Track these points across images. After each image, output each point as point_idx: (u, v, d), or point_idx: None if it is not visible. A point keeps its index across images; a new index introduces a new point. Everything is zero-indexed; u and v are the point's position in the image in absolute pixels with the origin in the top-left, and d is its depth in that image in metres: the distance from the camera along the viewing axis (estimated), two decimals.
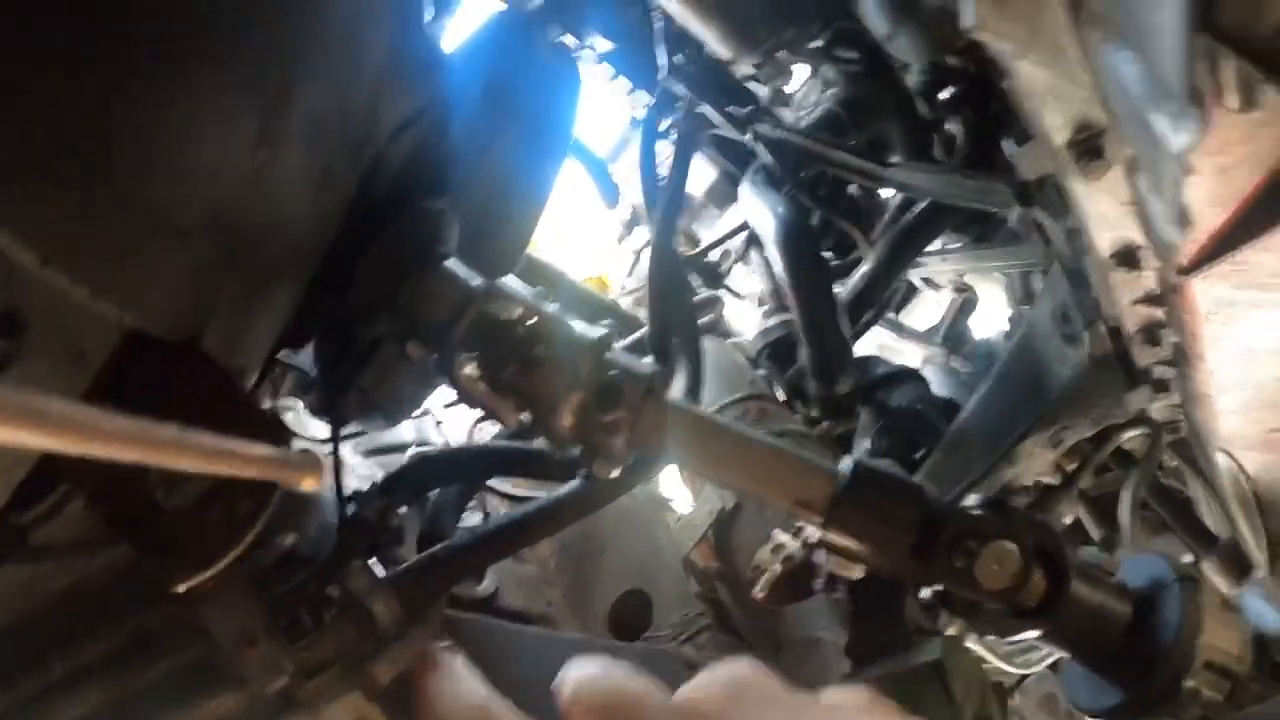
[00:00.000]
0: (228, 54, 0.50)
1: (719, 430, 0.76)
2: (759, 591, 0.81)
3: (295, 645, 0.74)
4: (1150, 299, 1.02)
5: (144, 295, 0.49)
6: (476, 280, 0.74)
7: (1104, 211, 0.89)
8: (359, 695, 0.74)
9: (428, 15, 0.77)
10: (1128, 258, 0.95)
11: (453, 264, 0.75)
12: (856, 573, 0.76)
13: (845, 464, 0.74)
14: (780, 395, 1.84)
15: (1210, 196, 0.80)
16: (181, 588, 0.46)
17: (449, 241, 0.77)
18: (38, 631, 0.65)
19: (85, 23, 0.41)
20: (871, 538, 0.73)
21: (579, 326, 0.73)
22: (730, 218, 2.27)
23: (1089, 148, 0.80)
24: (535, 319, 0.72)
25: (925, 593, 0.74)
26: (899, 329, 2.41)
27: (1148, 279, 0.98)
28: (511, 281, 0.74)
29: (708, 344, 1.85)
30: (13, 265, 0.40)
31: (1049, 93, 0.78)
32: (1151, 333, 1.10)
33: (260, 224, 0.58)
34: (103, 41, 0.43)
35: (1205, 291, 0.92)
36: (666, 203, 1.52)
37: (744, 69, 1.80)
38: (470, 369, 0.73)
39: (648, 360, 0.75)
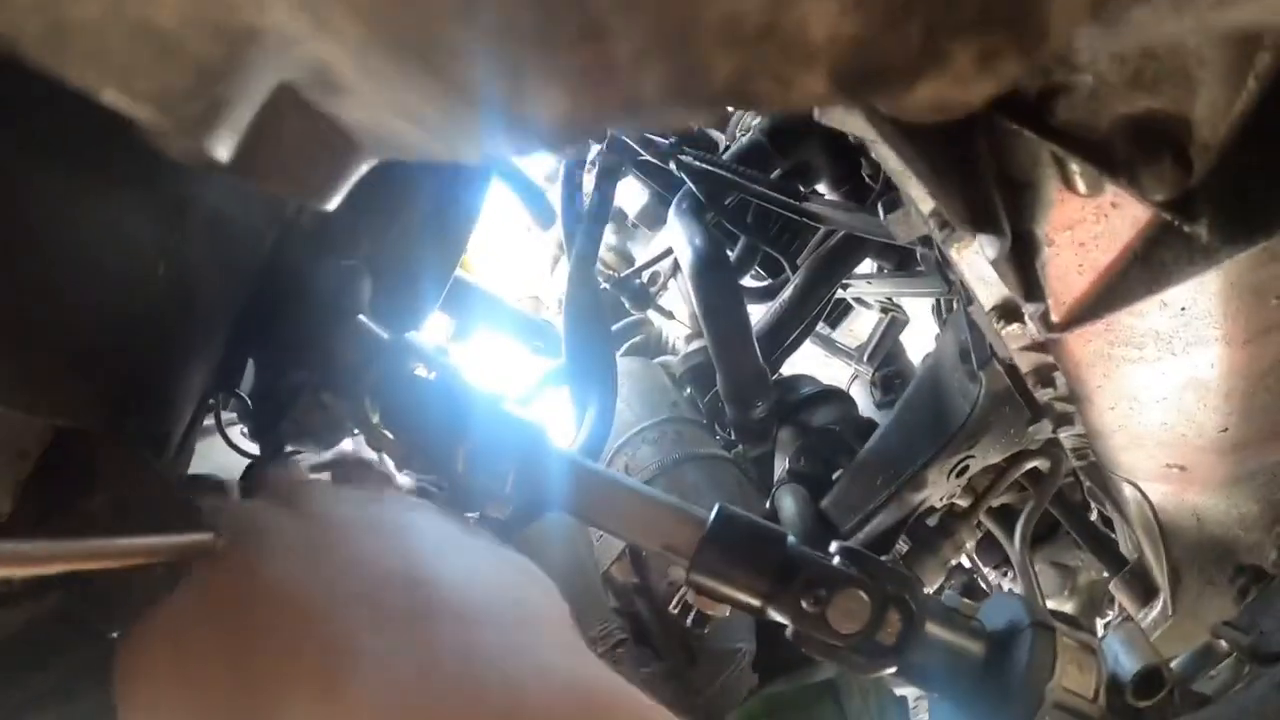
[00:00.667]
0: (123, 180, 0.53)
1: (600, 479, 0.80)
2: (673, 607, 0.85)
3: None
4: (1037, 346, 1.05)
5: (68, 405, 0.54)
6: (385, 336, 0.78)
7: (979, 272, 0.92)
8: None
9: None
10: (1008, 313, 0.98)
11: (362, 320, 0.79)
12: (723, 611, 0.81)
13: (712, 512, 0.79)
14: (703, 418, 1.88)
15: (1071, 266, 0.84)
16: (115, 635, 0.52)
17: (359, 297, 0.81)
18: None
19: None
20: (730, 582, 0.77)
21: (474, 387, 0.78)
22: (662, 239, 2.30)
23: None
24: (434, 374, 0.77)
25: (788, 631, 0.78)
26: (830, 345, 2.45)
27: (1031, 330, 1.00)
28: (415, 339, 0.79)
29: (634, 365, 1.90)
30: None
31: (905, 173, 0.81)
32: (1044, 374, 1.13)
33: (166, 325, 0.62)
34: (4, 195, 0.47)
35: (1082, 346, 0.96)
36: (585, 235, 1.56)
37: None
38: (376, 418, 0.77)
39: (533, 421, 0.79)
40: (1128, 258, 0.81)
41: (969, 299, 1.04)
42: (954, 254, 0.89)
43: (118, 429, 0.60)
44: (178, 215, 0.59)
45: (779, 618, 0.78)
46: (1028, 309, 0.90)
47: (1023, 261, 0.86)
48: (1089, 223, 0.80)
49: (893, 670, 0.79)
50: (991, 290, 0.96)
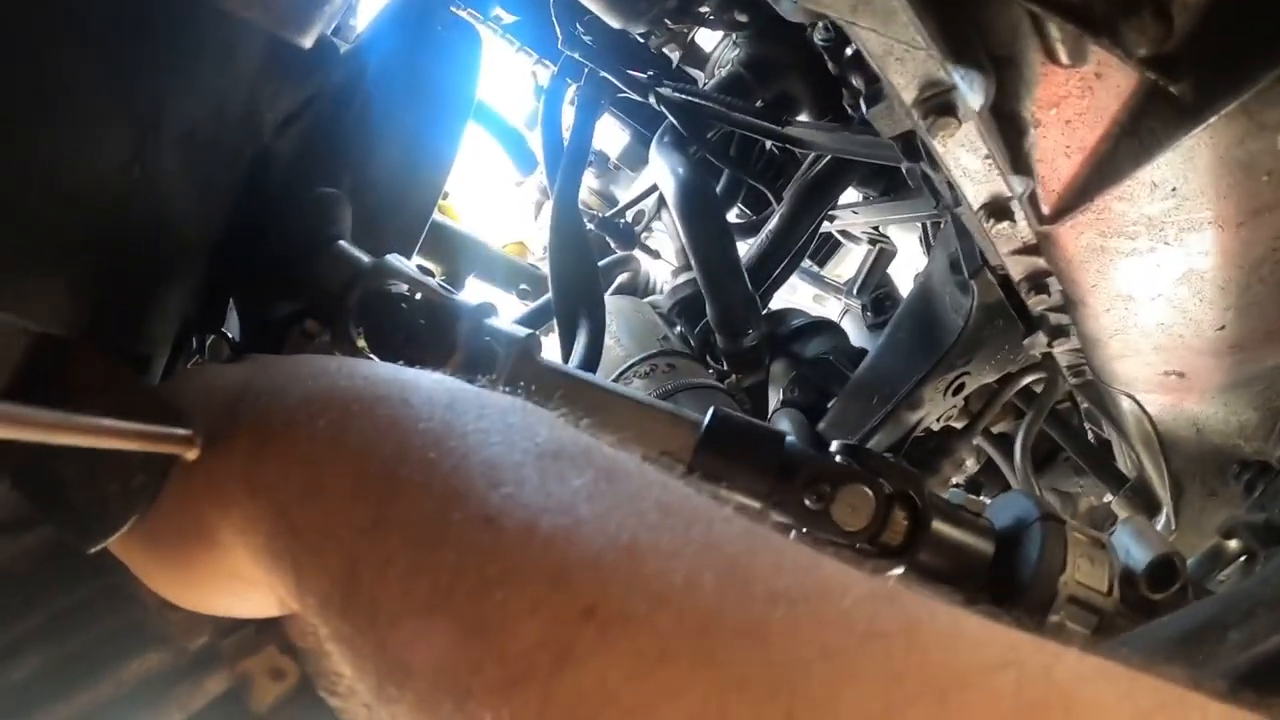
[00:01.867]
0: (97, 78, 0.53)
1: (591, 388, 0.79)
2: None
3: None
4: (1028, 248, 1.04)
5: (39, 306, 0.54)
6: (365, 259, 0.77)
7: (967, 166, 0.91)
8: (274, 648, 0.78)
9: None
10: (998, 210, 0.96)
11: (343, 245, 0.78)
12: None
13: (707, 415, 0.78)
14: (693, 350, 1.86)
15: (1058, 148, 0.84)
16: (92, 550, 0.51)
17: (340, 223, 0.80)
18: None
19: None
20: (730, 483, 0.75)
21: (460, 299, 0.77)
22: (645, 179, 2.29)
23: (936, 106, 0.81)
24: (419, 293, 0.76)
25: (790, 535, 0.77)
26: (819, 281, 2.44)
27: (1022, 229, 0.99)
28: (395, 260, 0.77)
29: (622, 303, 1.88)
30: None
31: (889, 54, 0.80)
32: (1037, 280, 1.11)
33: (142, 233, 0.61)
34: None
35: (1074, 240, 0.95)
36: (566, 168, 1.55)
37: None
38: (362, 342, 0.76)
39: (522, 328, 0.78)
40: (1114, 132, 0.81)
41: (956, 201, 1.03)
42: (939, 147, 0.88)
43: (95, 341, 0.60)
44: (152, 121, 0.58)
45: (781, 518, 0.77)
46: (1018, 188, 0.89)
47: (1010, 140, 0.85)
48: (1074, 98, 0.79)
49: (900, 570, 0.78)
50: (979, 187, 0.95)
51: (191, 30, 0.61)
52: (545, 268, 2.34)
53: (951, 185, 1.00)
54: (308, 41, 0.49)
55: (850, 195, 2.01)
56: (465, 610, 0.36)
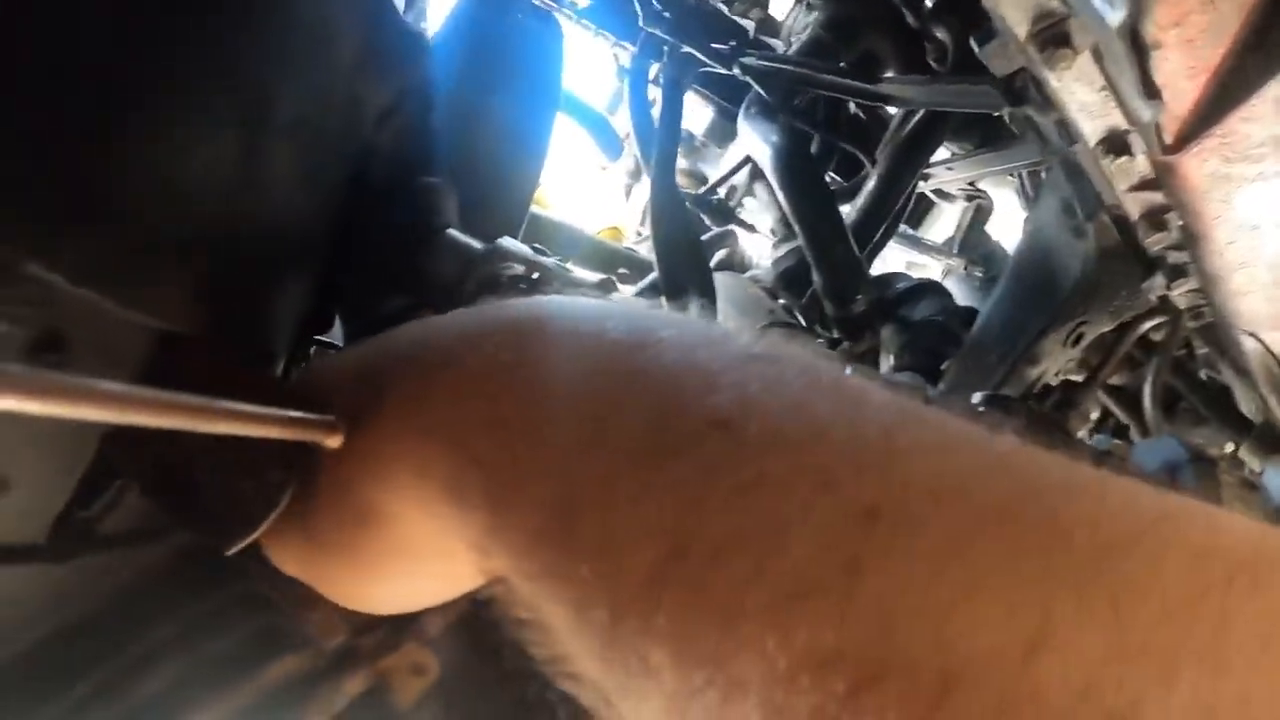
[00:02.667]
0: (207, 78, 0.53)
1: None
2: None
3: None
4: (1147, 183, 1.01)
5: (162, 302, 0.53)
6: (477, 245, 0.76)
7: (1083, 100, 0.88)
8: (412, 644, 0.78)
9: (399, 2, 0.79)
10: (1116, 144, 0.94)
11: (452, 233, 0.77)
12: None
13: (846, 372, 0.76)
14: (801, 321, 1.83)
15: (1181, 70, 0.80)
16: (231, 551, 0.50)
17: (447, 212, 0.79)
18: (113, 619, 0.69)
19: (80, 70, 0.45)
20: None
21: (580, 274, 0.75)
22: (734, 153, 2.27)
23: (1052, 37, 0.79)
24: (537, 273, 0.74)
25: None
26: (916, 243, 2.41)
27: (1141, 163, 0.96)
28: (509, 242, 0.76)
29: (725, 279, 1.87)
30: (49, 290, 0.45)
31: None
32: (1155, 217, 1.08)
33: (256, 229, 0.61)
34: (96, 83, 0.46)
35: (1198, 168, 0.92)
36: (661, 147, 1.53)
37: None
38: None
39: (651, 301, 0.77)
40: (1238, 48, 0.78)
41: (1070, 140, 0.99)
42: (1055, 81, 0.85)
43: (217, 338, 0.60)
44: (260, 115, 0.58)
45: None
46: (1144, 115, 0.85)
47: (1131, 67, 0.82)
48: (1196, 14, 0.76)
49: None
50: (1096, 122, 0.92)
51: (289, 20, 0.61)
52: (641, 251, 2.34)
53: (1063, 125, 0.98)
54: None
55: (941, 155, 1.97)
56: (719, 523, 0.32)
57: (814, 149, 1.96)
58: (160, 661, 0.71)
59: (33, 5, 0.43)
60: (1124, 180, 1.01)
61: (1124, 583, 0.28)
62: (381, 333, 0.57)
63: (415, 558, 0.50)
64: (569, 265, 0.77)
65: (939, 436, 0.34)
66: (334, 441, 0.46)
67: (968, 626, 0.28)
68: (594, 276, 0.75)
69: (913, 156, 1.80)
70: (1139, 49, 0.80)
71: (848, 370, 0.40)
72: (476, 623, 0.86)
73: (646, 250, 2.43)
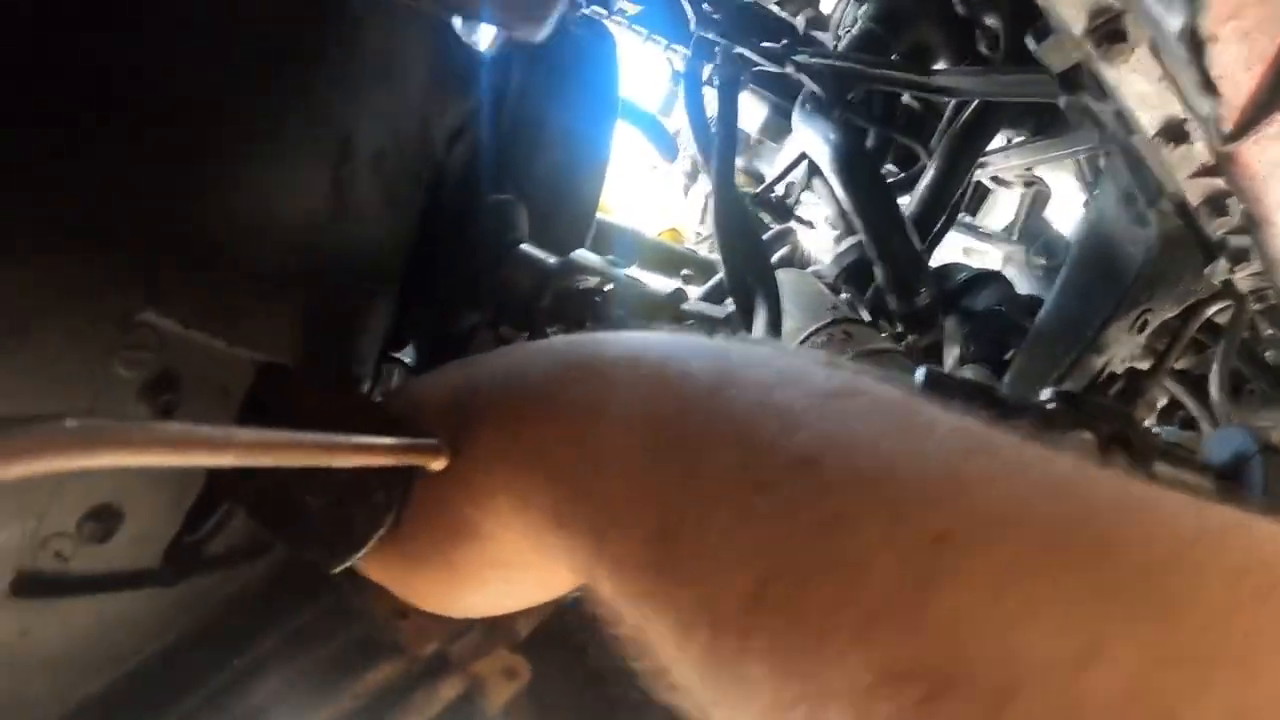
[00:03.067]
0: (296, 121, 0.55)
1: None
2: None
3: None
4: (1207, 170, 1.00)
5: (263, 335, 0.56)
6: (551, 259, 0.78)
7: (1140, 92, 0.88)
8: (503, 649, 0.80)
9: (458, 24, 0.80)
10: (1174, 133, 0.93)
11: (526, 248, 0.79)
12: None
13: (919, 374, 0.76)
14: (865, 316, 1.83)
15: (1238, 61, 0.80)
16: (336, 570, 0.52)
17: (520, 228, 0.81)
18: (217, 634, 0.72)
19: (183, 123, 0.48)
20: None
21: (653, 285, 0.77)
22: (789, 150, 2.27)
23: (1109, 33, 0.80)
24: (610, 285, 0.76)
25: None
26: (975, 232, 2.39)
27: (1200, 151, 0.96)
28: (583, 255, 0.78)
29: (787, 276, 1.86)
30: (162, 334, 0.47)
31: None
32: (1216, 203, 1.07)
33: (345, 259, 0.64)
34: (196, 134, 0.49)
35: (1257, 156, 0.92)
36: (720, 149, 1.53)
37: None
38: None
39: (719, 307, 0.78)
40: None
41: (1128, 129, 0.99)
42: (1112, 75, 0.85)
43: (312, 366, 0.62)
44: (344, 148, 0.60)
45: None
46: (1202, 108, 0.86)
47: (1188, 60, 0.82)
48: (1252, 6, 0.75)
49: None
50: (1154, 112, 0.92)
51: (361, 56, 0.63)
52: (702, 251, 2.35)
53: (1120, 114, 0.98)
54: (539, 36, 0.50)
55: (997, 142, 1.96)
56: (807, 552, 0.36)
57: (870, 142, 1.96)
58: (263, 673, 0.73)
59: (142, 66, 0.45)
60: (1184, 168, 1.01)
61: (1168, 598, 0.31)
62: (462, 354, 0.59)
63: (512, 569, 0.53)
64: (638, 276, 0.78)
65: (1001, 464, 0.37)
66: (438, 465, 0.49)
67: (1027, 640, 0.30)
68: (666, 287, 0.76)
69: (969, 146, 1.79)
70: (1195, 42, 0.80)
71: (917, 394, 0.43)
72: (563, 625, 0.88)
73: (707, 250, 2.44)
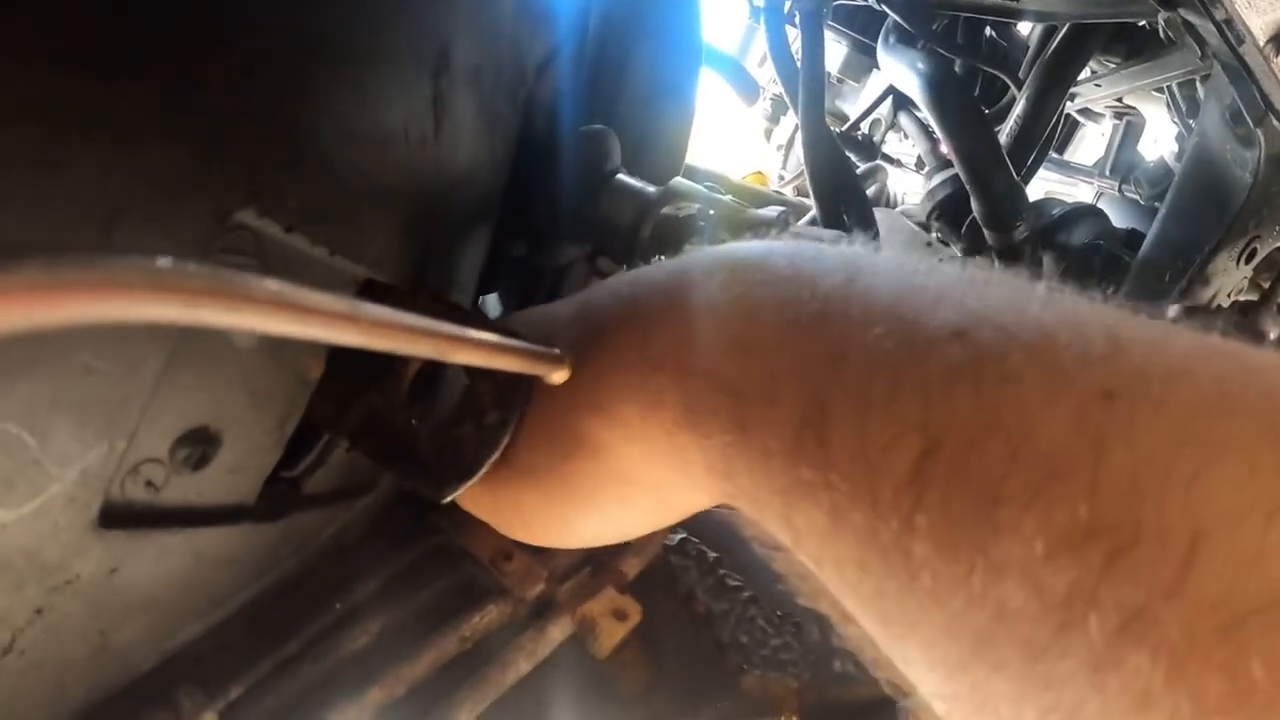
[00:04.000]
0: (394, 29, 0.53)
1: None
2: None
3: (547, 554, 0.79)
4: None
5: (368, 249, 0.54)
6: (650, 188, 0.76)
7: None
8: (611, 590, 0.78)
9: None
10: None
11: (623, 178, 0.77)
12: None
13: None
14: (958, 253, 1.79)
15: None
16: (448, 498, 0.50)
17: (615, 158, 0.79)
18: (317, 577, 0.71)
19: (286, 25, 0.46)
20: None
21: (757, 210, 0.74)
22: (872, 88, 2.23)
23: None
24: (713, 210, 0.73)
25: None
26: (1065, 167, 2.34)
27: None
28: (682, 182, 0.76)
29: (878, 215, 1.84)
30: (261, 237, 0.45)
31: None
32: None
33: (446, 176, 0.62)
34: (300, 36, 0.47)
35: None
36: (806, 84, 1.50)
37: None
38: None
39: (828, 231, 0.75)
40: None
41: (1236, 40, 0.95)
42: None
43: (417, 286, 0.60)
44: (443, 59, 0.58)
45: None
46: None
47: None
48: None
49: None
50: (1265, 17, 0.88)
51: None
52: (788, 194, 2.32)
53: (1225, 25, 0.93)
54: None
55: (1087, 73, 1.90)
56: (970, 418, 0.34)
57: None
58: (364, 617, 0.72)
59: None
60: None
61: None
62: (558, 292, 0.57)
63: (630, 486, 0.50)
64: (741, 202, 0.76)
65: (1155, 330, 0.35)
66: (561, 376, 0.46)
67: (1213, 490, 0.29)
68: (771, 211, 0.73)
69: (1060, 75, 1.73)
70: None
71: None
72: (670, 568, 0.87)
73: (792, 192, 2.41)
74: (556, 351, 0.45)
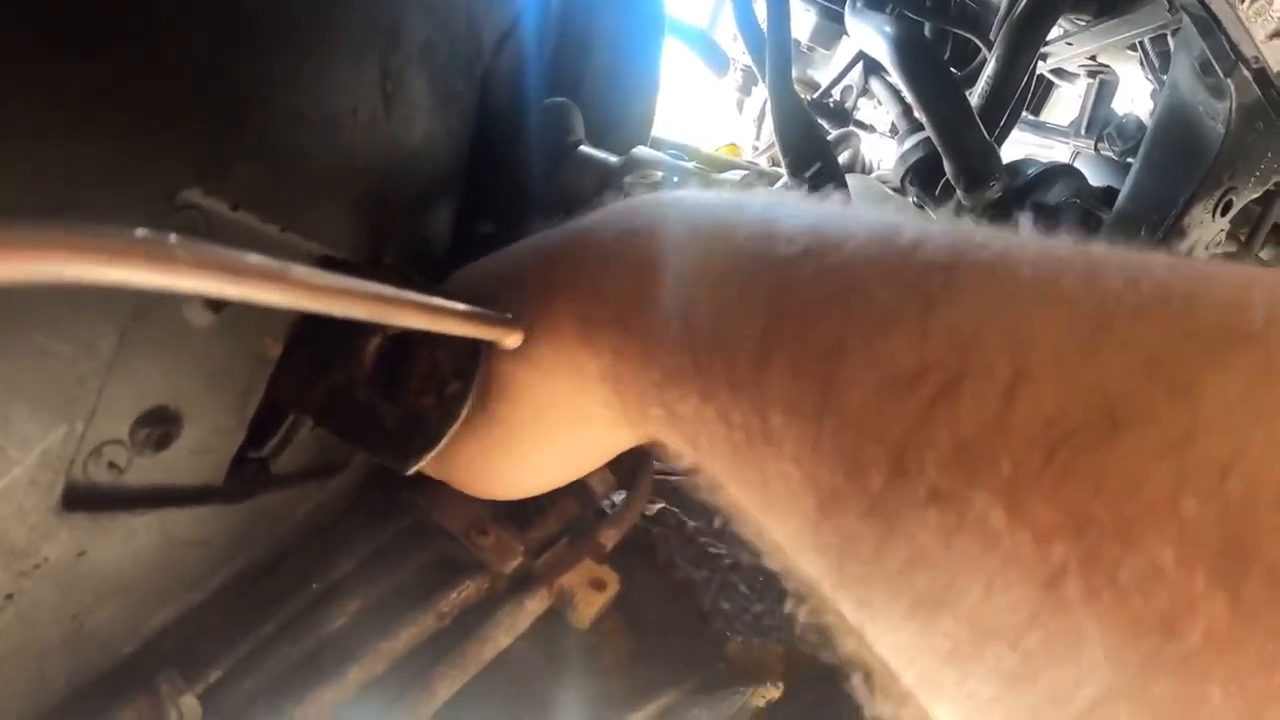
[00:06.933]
0: (342, 10, 0.53)
1: None
2: None
3: (524, 527, 0.79)
4: None
5: (322, 227, 0.54)
6: (612, 158, 0.75)
7: None
8: (589, 561, 0.78)
9: None
10: None
11: (586, 149, 0.77)
12: None
13: None
14: (934, 215, 1.79)
15: None
16: (413, 469, 0.50)
17: (577, 130, 0.79)
18: (293, 558, 0.71)
19: (235, 14, 0.46)
20: None
21: (721, 176, 0.74)
22: (842, 55, 2.23)
23: None
24: (677, 177, 0.73)
25: None
26: (1040, 128, 2.34)
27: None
28: (644, 151, 0.75)
29: (850, 181, 1.83)
30: (210, 217, 0.45)
31: None
32: None
33: (400, 154, 0.62)
34: (249, 29, 0.47)
35: None
36: (773, 52, 1.49)
37: None
38: None
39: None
40: None
41: None
42: None
43: (375, 260, 0.61)
44: (392, 35, 0.58)
45: None
46: None
47: None
48: None
49: None
50: None
51: None
52: (762, 164, 2.31)
53: None
54: None
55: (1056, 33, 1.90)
56: (810, 293, 0.37)
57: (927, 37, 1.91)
58: (342, 596, 0.72)
59: None
60: (1263, 28, 0.97)
61: (1171, 289, 0.30)
62: None
63: (547, 424, 0.52)
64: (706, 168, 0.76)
65: (993, 234, 0.37)
66: (514, 340, 0.47)
67: (1035, 326, 0.31)
68: (736, 174, 0.74)
69: (1030, 35, 1.72)
70: None
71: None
72: (649, 538, 0.87)
73: (767, 163, 2.41)
74: (507, 316, 0.46)
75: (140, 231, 0.22)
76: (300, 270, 0.28)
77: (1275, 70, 1.07)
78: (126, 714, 0.60)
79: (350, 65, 0.54)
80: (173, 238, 0.23)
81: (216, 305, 0.49)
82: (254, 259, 0.26)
